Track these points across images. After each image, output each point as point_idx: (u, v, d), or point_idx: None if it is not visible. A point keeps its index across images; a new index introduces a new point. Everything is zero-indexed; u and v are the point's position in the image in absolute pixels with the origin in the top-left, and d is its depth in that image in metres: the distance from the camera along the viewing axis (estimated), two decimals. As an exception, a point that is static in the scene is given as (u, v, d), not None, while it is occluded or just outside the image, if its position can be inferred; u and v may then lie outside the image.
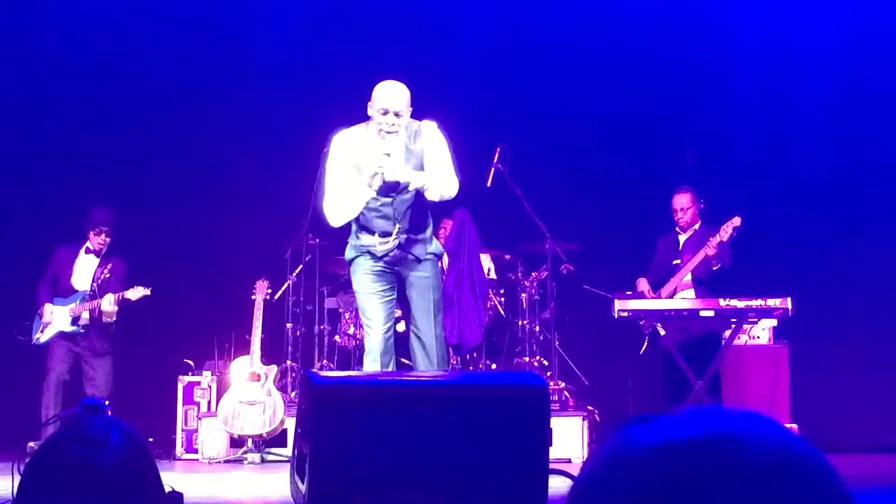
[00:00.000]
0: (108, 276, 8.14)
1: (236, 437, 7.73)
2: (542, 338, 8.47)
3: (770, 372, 8.12)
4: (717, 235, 7.37)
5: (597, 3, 9.57)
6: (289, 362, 8.34)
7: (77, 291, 8.11)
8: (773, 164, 9.29)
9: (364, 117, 5.42)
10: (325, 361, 8.41)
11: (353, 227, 5.44)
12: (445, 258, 7.89)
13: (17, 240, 9.10)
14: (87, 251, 8.24)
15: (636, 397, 8.47)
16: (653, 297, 7.59)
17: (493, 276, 8.60)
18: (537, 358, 8.39)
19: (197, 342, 8.56)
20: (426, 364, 5.36)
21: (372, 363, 5.31)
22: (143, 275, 8.24)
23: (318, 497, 3.45)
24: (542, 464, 3.60)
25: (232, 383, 7.85)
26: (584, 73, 9.45)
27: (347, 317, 8.38)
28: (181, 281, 9.04)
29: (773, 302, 6.97)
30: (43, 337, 8.09)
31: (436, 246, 5.55)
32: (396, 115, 5.18)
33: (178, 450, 8.08)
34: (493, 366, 8.37)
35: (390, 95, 5.22)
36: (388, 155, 5.15)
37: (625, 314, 7.13)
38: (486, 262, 8.37)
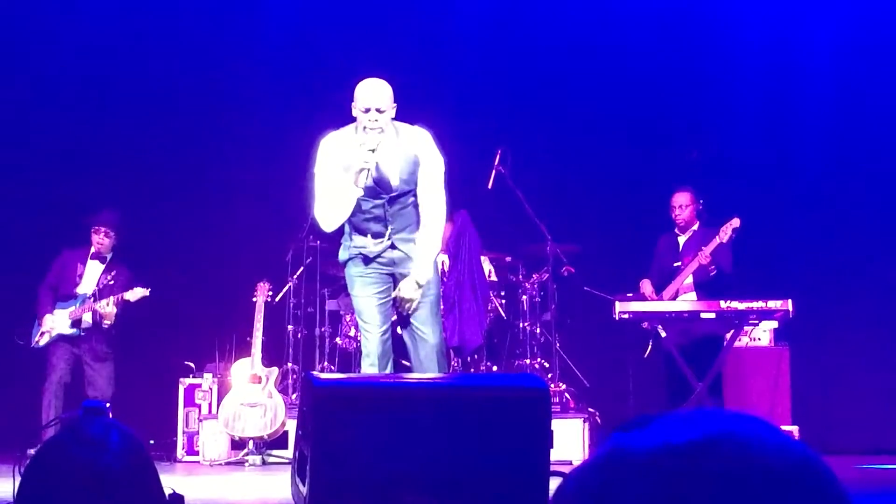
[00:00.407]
0: (111, 282, 8.14)
1: (237, 439, 7.73)
2: (542, 340, 8.46)
3: (771, 374, 8.11)
4: (716, 238, 7.38)
5: (599, 6, 9.57)
6: (290, 364, 8.34)
7: (77, 295, 8.12)
8: (775, 166, 9.29)
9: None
10: (325, 364, 8.41)
11: (347, 229, 5.41)
12: (446, 260, 7.89)
13: (18, 242, 9.10)
14: (93, 256, 8.25)
15: (637, 399, 8.47)
16: (654, 300, 7.59)
17: (493, 278, 8.60)
18: (538, 360, 8.39)
19: (198, 344, 8.56)
20: (425, 365, 5.33)
21: (370, 367, 5.30)
22: (144, 277, 8.25)
23: (319, 499, 3.45)
24: (543, 466, 3.60)
25: (233, 385, 7.85)
26: (585, 75, 9.45)
27: (348, 319, 8.37)
28: (182, 283, 9.04)
29: (774, 304, 6.97)
30: (42, 340, 8.09)
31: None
32: (378, 111, 5.16)
33: (180, 452, 8.08)
34: (494, 368, 8.37)
35: (371, 93, 5.21)
36: (373, 151, 5.12)
37: (626, 316, 7.13)
38: (486, 264, 8.37)
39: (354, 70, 9.43)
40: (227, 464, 7.73)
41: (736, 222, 7.34)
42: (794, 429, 7.80)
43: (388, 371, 5.33)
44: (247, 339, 8.06)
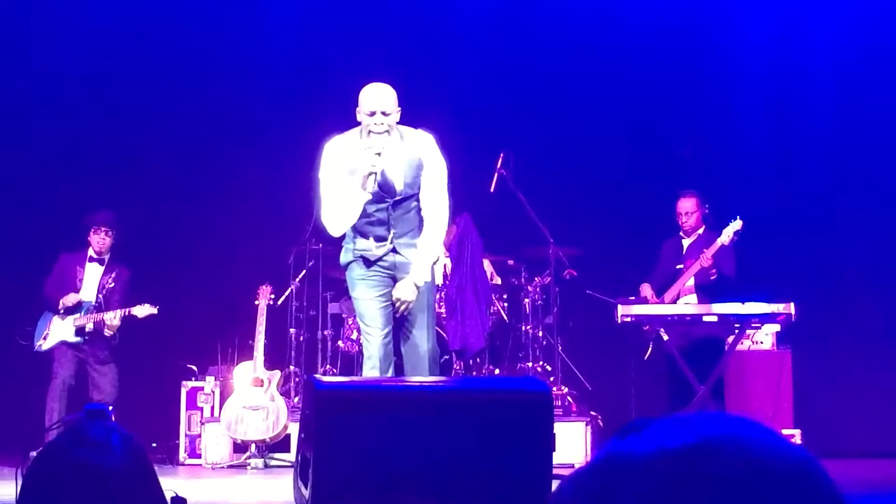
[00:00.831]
0: (112, 284, 8.14)
1: (240, 442, 7.73)
2: (545, 343, 8.46)
3: (773, 377, 8.11)
4: (718, 240, 7.38)
5: (600, 8, 9.57)
6: (292, 367, 8.34)
7: (81, 302, 8.12)
8: (777, 168, 9.29)
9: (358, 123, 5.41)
10: (328, 367, 8.41)
11: (349, 232, 5.40)
12: (448, 263, 7.89)
13: (19, 245, 9.11)
14: (91, 259, 8.24)
15: (639, 402, 8.46)
16: (656, 303, 7.59)
17: (497, 281, 8.60)
18: (540, 363, 8.38)
19: (200, 347, 8.56)
20: (420, 370, 5.31)
21: (371, 369, 5.30)
22: (146, 281, 8.26)
23: (321, 502, 3.46)
24: (546, 469, 3.60)
25: (235, 388, 7.85)
26: (587, 77, 9.45)
27: (350, 322, 8.37)
28: (184, 287, 9.04)
29: (776, 307, 6.97)
30: (45, 344, 8.10)
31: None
32: (384, 114, 5.18)
33: (182, 455, 8.08)
34: (497, 371, 8.37)
35: (375, 96, 5.22)
36: (380, 154, 5.13)
37: (628, 319, 7.13)
38: (487, 267, 8.37)
39: (356, 74, 9.43)
40: (230, 467, 7.73)
41: (738, 224, 7.34)
42: (797, 432, 7.79)
43: (389, 374, 5.33)
44: (249, 343, 8.07)
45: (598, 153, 9.36)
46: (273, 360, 8.11)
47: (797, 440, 7.73)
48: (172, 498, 3.05)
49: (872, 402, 8.67)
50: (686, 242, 7.87)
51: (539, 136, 9.32)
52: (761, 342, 8.23)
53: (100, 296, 8.11)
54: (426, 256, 5.32)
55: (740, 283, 7.56)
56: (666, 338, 7.21)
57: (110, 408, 7.43)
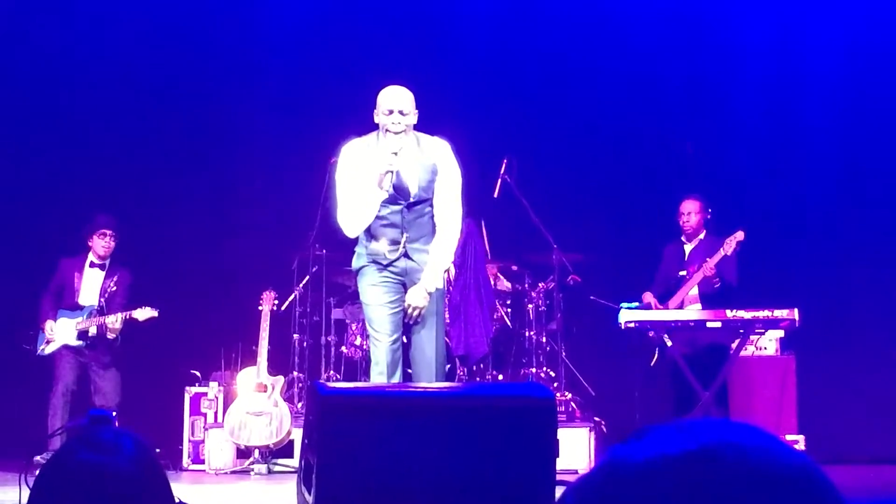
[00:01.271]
0: (114, 288, 8.16)
1: (243, 447, 7.73)
2: (548, 349, 8.46)
3: (777, 383, 8.10)
4: (720, 251, 7.38)
5: (604, 15, 9.58)
6: (295, 373, 8.34)
7: (84, 306, 8.12)
8: (780, 173, 9.29)
9: (371, 127, 5.45)
10: (331, 372, 8.41)
11: (361, 236, 5.42)
12: (452, 269, 7.89)
13: (21, 250, 9.12)
14: (92, 265, 8.25)
15: (643, 408, 8.45)
16: (659, 309, 7.59)
17: (506, 284, 8.59)
18: (544, 369, 8.38)
19: (204, 353, 8.56)
20: (427, 376, 5.33)
21: (378, 375, 5.31)
22: (149, 286, 8.26)
23: (325, 508, 3.45)
24: (550, 475, 3.60)
25: (239, 394, 7.85)
26: (590, 83, 9.45)
27: (354, 328, 8.37)
28: (188, 292, 9.05)
29: (780, 313, 6.96)
30: (48, 349, 8.10)
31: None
32: (401, 113, 5.25)
33: (185, 461, 8.07)
34: (500, 377, 8.36)
35: (394, 95, 5.31)
36: (396, 154, 5.18)
37: (631, 325, 7.13)
38: (490, 273, 8.37)
39: (360, 79, 9.46)
40: (233, 472, 7.73)
41: (740, 235, 7.34)
42: (801, 438, 7.78)
43: (396, 380, 5.33)
44: (252, 348, 8.06)
45: (602, 159, 9.37)
46: (276, 365, 8.10)
47: (801, 446, 7.72)
48: (176, 504, 3.05)
49: (876, 407, 8.65)
50: (688, 248, 7.87)
51: (542, 141, 9.33)
52: (765, 348, 8.22)
53: (102, 300, 8.12)
54: (439, 263, 5.34)
55: (744, 290, 7.56)
56: (670, 343, 7.21)
57: (114, 413, 7.43)
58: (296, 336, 8.45)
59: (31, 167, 9.41)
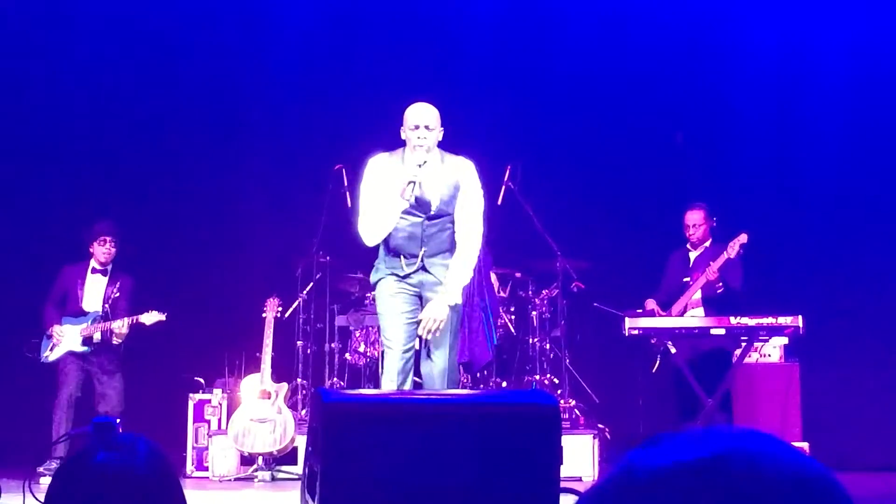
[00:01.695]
0: (117, 294, 8.15)
1: (247, 454, 7.72)
2: (552, 356, 8.45)
3: (781, 390, 8.08)
4: (724, 254, 7.38)
5: (608, 23, 9.59)
6: (299, 380, 8.34)
7: (87, 313, 8.13)
8: (784, 180, 9.29)
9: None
10: (335, 379, 8.41)
11: (381, 250, 5.51)
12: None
13: (24, 257, 9.12)
14: (94, 271, 8.25)
15: (647, 415, 8.45)
16: (662, 316, 7.59)
17: (518, 292, 8.59)
18: (548, 376, 8.38)
19: (207, 360, 8.56)
20: (431, 387, 5.38)
21: (389, 383, 5.34)
22: (153, 292, 8.26)
23: (328, 515, 3.45)
24: (554, 482, 3.59)
25: (242, 401, 7.85)
26: (594, 90, 9.46)
27: (358, 335, 8.38)
28: (192, 299, 9.05)
29: (784, 320, 6.96)
30: (52, 356, 8.10)
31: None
32: (427, 128, 5.38)
33: (189, 467, 8.07)
34: (504, 384, 8.36)
35: (420, 111, 5.44)
36: (420, 166, 5.30)
37: (635, 332, 7.13)
38: (494, 281, 8.37)
39: (363, 86, 9.49)
40: (237, 479, 7.72)
41: (743, 238, 7.34)
42: (805, 445, 7.77)
43: (405, 388, 5.34)
44: (256, 355, 8.06)
45: (606, 166, 9.37)
46: (280, 372, 8.10)
47: (806, 453, 7.70)
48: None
49: (881, 415, 8.64)
50: (693, 255, 7.86)
51: (546, 148, 9.33)
52: (769, 355, 8.21)
53: (106, 305, 8.12)
54: (459, 278, 5.40)
55: (747, 297, 7.55)
56: (674, 350, 7.21)
57: (118, 420, 7.43)
58: (299, 343, 8.45)
59: (35, 174, 9.42)
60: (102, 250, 8.20)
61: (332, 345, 8.52)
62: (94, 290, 8.21)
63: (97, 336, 8.05)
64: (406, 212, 5.36)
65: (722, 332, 7.06)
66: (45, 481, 6.02)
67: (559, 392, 8.15)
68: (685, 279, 7.75)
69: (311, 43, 9.67)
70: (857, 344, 8.83)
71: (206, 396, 8.24)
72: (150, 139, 9.50)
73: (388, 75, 9.38)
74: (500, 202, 8.06)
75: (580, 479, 7.23)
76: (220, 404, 8.17)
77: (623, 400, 8.54)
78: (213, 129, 9.51)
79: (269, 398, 7.76)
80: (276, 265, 8.90)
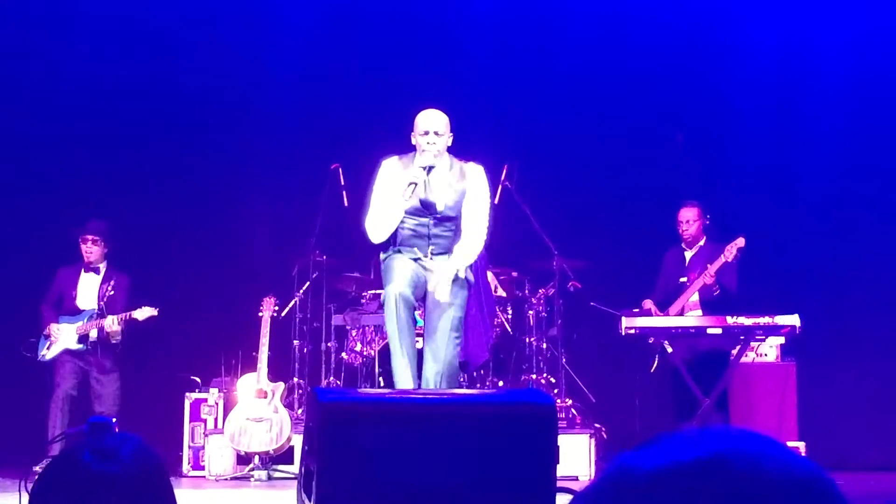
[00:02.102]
0: (112, 293, 8.14)
1: (243, 454, 7.72)
2: (549, 355, 8.45)
3: (778, 390, 8.09)
4: (721, 257, 7.38)
5: (605, 21, 9.58)
6: (296, 379, 8.33)
7: (83, 311, 8.12)
8: (781, 180, 9.29)
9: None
10: (331, 379, 8.40)
11: (390, 246, 5.68)
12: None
13: (21, 258, 9.11)
14: (87, 269, 8.24)
15: (643, 415, 8.44)
16: (659, 316, 7.59)
17: (500, 293, 8.58)
18: (544, 375, 8.38)
19: (204, 359, 8.55)
20: (434, 383, 5.44)
21: (389, 314, 5.40)
22: (149, 291, 8.25)
23: (324, 515, 3.45)
24: (550, 482, 3.59)
25: (239, 400, 7.85)
26: (591, 89, 9.46)
27: (354, 334, 8.37)
28: (188, 298, 9.04)
29: (780, 319, 6.96)
30: (49, 354, 8.09)
31: (466, 271, 5.68)
32: (436, 133, 5.60)
33: (185, 467, 8.07)
34: (501, 383, 8.36)
35: (429, 118, 5.67)
36: (426, 169, 5.51)
37: (632, 331, 7.13)
38: (492, 279, 8.36)
39: (359, 85, 9.48)
40: (233, 479, 7.73)
41: (741, 242, 7.34)
42: (801, 445, 7.78)
43: (406, 333, 5.41)
44: (253, 354, 8.06)
45: (603, 165, 9.36)
46: (277, 371, 8.10)
47: (801, 453, 7.72)
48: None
49: (877, 414, 8.65)
50: (688, 254, 7.86)
51: (543, 147, 9.33)
52: (766, 354, 8.22)
53: (101, 303, 8.10)
54: (463, 258, 5.60)
55: (744, 297, 7.55)
56: (670, 350, 7.21)
57: (114, 420, 7.42)
58: (296, 342, 8.44)
59: (33, 173, 9.41)
60: (84, 248, 8.20)
61: (329, 344, 8.51)
62: (88, 289, 8.20)
63: (93, 334, 8.04)
64: (413, 212, 5.59)
65: (719, 331, 7.06)
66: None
67: (556, 391, 8.15)
68: (682, 279, 7.74)
69: (308, 41, 9.66)
70: (853, 343, 8.84)
71: (202, 396, 8.24)
72: (148, 138, 9.48)
73: (387, 74, 9.38)
74: (496, 201, 8.05)
75: (576, 479, 7.23)
76: (217, 403, 8.17)
77: (620, 399, 8.53)
78: (210, 128, 9.50)
79: (266, 397, 7.76)
80: (273, 264, 8.90)
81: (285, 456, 7.68)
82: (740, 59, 9.46)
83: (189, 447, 8.10)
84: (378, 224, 5.63)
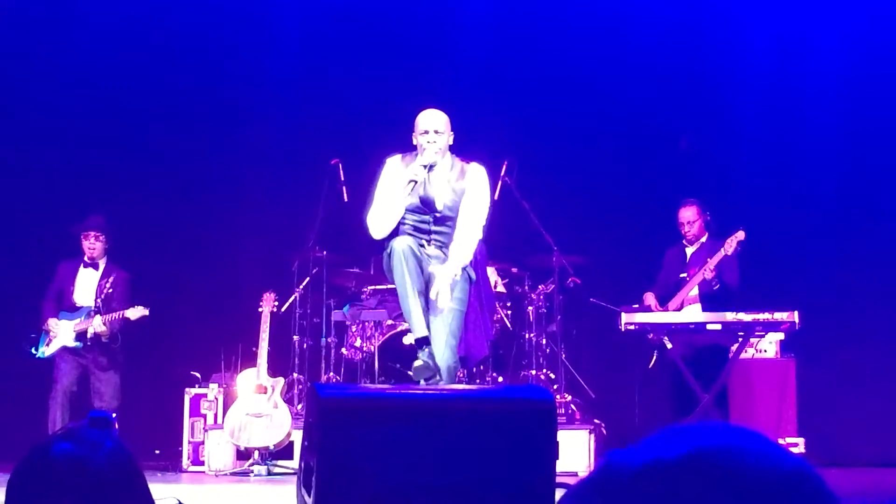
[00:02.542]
0: (110, 290, 8.14)
1: (243, 449, 7.73)
2: (548, 351, 8.45)
3: (777, 386, 8.10)
4: (721, 251, 7.37)
5: (605, 18, 9.58)
6: (295, 375, 8.34)
7: (81, 307, 8.11)
8: (781, 176, 9.29)
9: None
10: (331, 374, 8.40)
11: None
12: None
13: (22, 253, 9.12)
14: (86, 265, 8.24)
15: (643, 411, 8.44)
16: (660, 311, 7.59)
17: (500, 289, 8.59)
18: (544, 371, 8.38)
19: (204, 354, 8.56)
20: (439, 329, 5.58)
21: (398, 266, 5.43)
22: (149, 287, 8.25)
23: (324, 510, 3.45)
24: (549, 478, 3.59)
25: (239, 396, 7.86)
26: (590, 86, 9.45)
27: (354, 329, 8.37)
28: (188, 293, 9.05)
29: (780, 315, 6.96)
30: (48, 351, 8.09)
31: (466, 267, 5.76)
32: (436, 132, 5.67)
33: (185, 462, 8.08)
34: (500, 379, 8.36)
35: (429, 117, 5.75)
36: (425, 167, 5.58)
37: (631, 327, 7.13)
38: (492, 275, 8.36)
39: (358, 81, 9.46)
40: (233, 474, 7.73)
41: (741, 235, 7.34)
42: (800, 441, 7.78)
43: (415, 269, 5.46)
44: (252, 350, 8.07)
45: (602, 161, 9.36)
46: (276, 367, 8.11)
47: (801, 449, 7.72)
48: (175, 505, 3.05)
49: (876, 411, 8.65)
50: (690, 251, 7.86)
51: (543, 143, 9.32)
52: (765, 350, 8.22)
53: (98, 300, 8.10)
54: (459, 257, 5.66)
55: (744, 292, 7.55)
56: (670, 346, 7.21)
57: (114, 415, 7.43)
58: (296, 338, 8.45)
59: (33, 170, 9.41)
60: (86, 244, 8.20)
61: (329, 340, 8.51)
62: (86, 285, 8.20)
63: (90, 331, 8.04)
64: (414, 209, 5.67)
65: (718, 327, 7.06)
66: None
67: (555, 387, 8.15)
68: (682, 275, 7.74)
69: (307, 38, 9.67)
70: (852, 339, 8.84)
71: (202, 391, 8.25)
72: (148, 133, 9.49)
73: (386, 69, 9.37)
74: (496, 197, 8.06)
75: (576, 475, 7.23)
76: (217, 399, 8.18)
77: (619, 395, 8.53)
78: (210, 124, 9.50)
79: (266, 393, 7.77)
80: (273, 260, 8.90)
81: (285, 451, 7.69)
82: (740, 55, 9.46)
83: (189, 442, 8.11)
84: (379, 219, 5.69)
